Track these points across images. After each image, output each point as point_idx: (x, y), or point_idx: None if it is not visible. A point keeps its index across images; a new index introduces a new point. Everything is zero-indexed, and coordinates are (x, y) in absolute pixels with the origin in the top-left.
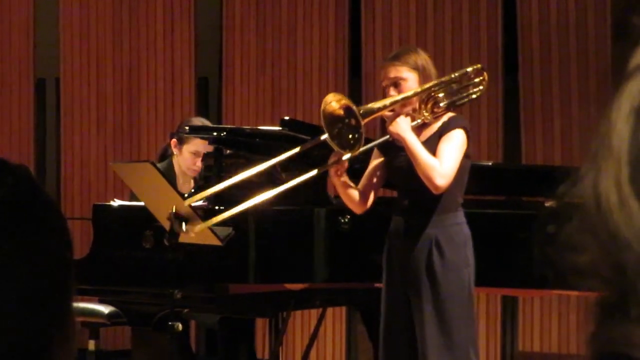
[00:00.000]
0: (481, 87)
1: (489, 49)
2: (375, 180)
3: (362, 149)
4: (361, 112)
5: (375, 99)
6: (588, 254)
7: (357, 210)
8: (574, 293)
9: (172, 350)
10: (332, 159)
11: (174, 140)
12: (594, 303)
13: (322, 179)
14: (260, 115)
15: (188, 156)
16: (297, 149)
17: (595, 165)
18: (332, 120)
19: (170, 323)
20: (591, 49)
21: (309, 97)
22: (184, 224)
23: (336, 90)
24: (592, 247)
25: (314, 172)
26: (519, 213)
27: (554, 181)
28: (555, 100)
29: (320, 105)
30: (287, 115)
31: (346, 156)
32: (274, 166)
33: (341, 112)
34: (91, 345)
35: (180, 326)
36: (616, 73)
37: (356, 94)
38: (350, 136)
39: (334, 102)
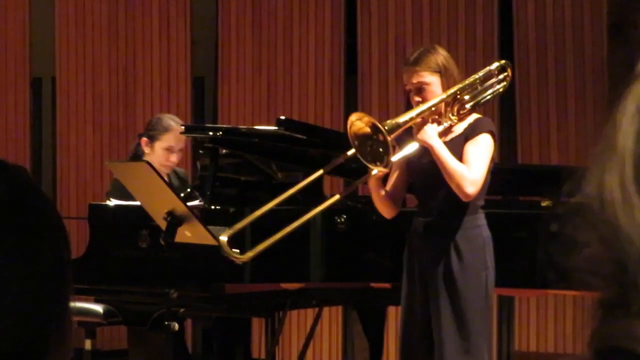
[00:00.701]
0: (505, 83)
1: (485, 48)
2: (400, 184)
3: (393, 158)
4: (387, 128)
5: (371, 98)
6: (590, 251)
7: (389, 214)
8: (570, 293)
9: (168, 350)
10: (373, 173)
11: (144, 139)
12: (594, 302)
13: (318, 179)
14: (256, 114)
15: (161, 153)
16: (320, 171)
17: (600, 165)
18: (362, 138)
19: (166, 323)
20: (587, 46)
21: (304, 97)
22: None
23: (332, 89)
24: (594, 244)
25: (356, 182)
26: (516, 213)
27: (551, 181)
28: (551, 98)
29: (315, 104)
30: (283, 115)
31: (375, 171)
32: (270, 166)
33: (368, 129)
34: (87, 344)
35: (176, 326)
36: (612, 71)
37: (352, 92)
38: (381, 150)
39: (358, 122)
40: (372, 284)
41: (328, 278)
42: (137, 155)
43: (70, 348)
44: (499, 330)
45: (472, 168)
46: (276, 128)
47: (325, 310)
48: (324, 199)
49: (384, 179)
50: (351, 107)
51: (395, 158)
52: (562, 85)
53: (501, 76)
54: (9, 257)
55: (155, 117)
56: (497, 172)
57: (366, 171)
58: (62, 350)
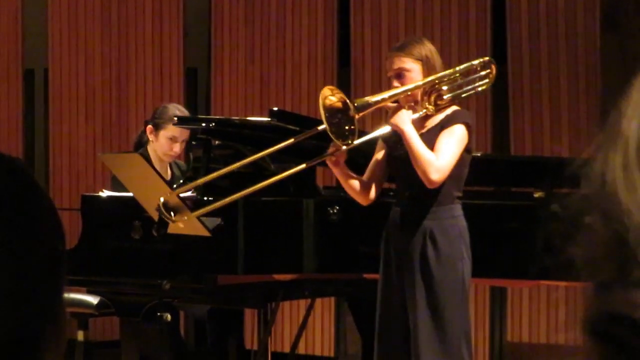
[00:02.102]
0: (487, 80)
1: (478, 39)
2: (379, 171)
3: (361, 140)
4: (356, 105)
5: (364, 89)
6: (590, 229)
7: (362, 201)
8: (563, 284)
9: (161, 341)
10: (330, 150)
11: (149, 127)
12: (589, 286)
13: (311, 170)
14: (249, 105)
15: (164, 142)
16: (291, 140)
17: (604, 149)
18: (331, 112)
19: (158, 314)
20: (580, 39)
21: (297, 88)
22: (172, 213)
23: (325, 80)
24: (594, 222)
25: (312, 162)
26: (508, 204)
27: (543, 172)
28: (544, 91)
29: (308, 95)
30: (275, 106)
31: (343, 147)
32: (263, 157)
33: (339, 104)
34: (80, 335)
35: (169, 317)
36: (605, 62)
37: (345, 83)
38: (347, 127)
39: (331, 96)
40: (365, 275)
41: (320, 269)
42: (140, 142)
43: (65, 340)
44: (492, 321)
45: (440, 156)
46: (269, 119)
47: (318, 301)
48: (317, 190)
49: (363, 167)
50: None
51: (362, 139)
52: (555, 77)
53: (483, 73)
54: (3, 249)
55: (162, 105)
56: (490, 164)
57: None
58: (57, 343)
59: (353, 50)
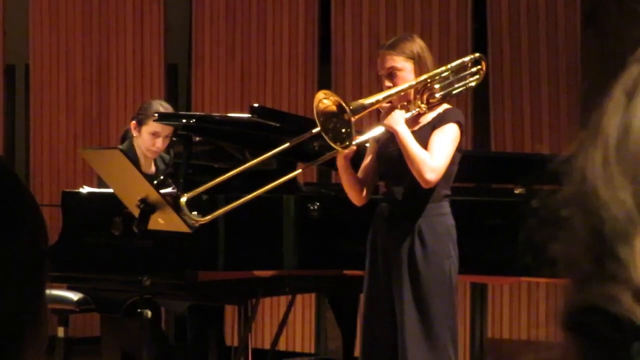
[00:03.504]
0: (477, 77)
1: (459, 34)
2: (372, 172)
3: (357, 140)
4: (351, 108)
5: (345, 85)
6: (571, 223)
7: (357, 200)
8: (543, 280)
9: (142, 337)
10: (327, 157)
11: (133, 123)
12: (567, 280)
13: (291, 166)
14: (230, 102)
15: (147, 137)
16: (287, 145)
17: (585, 145)
18: (326, 116)
19: (139, 310)
20: (561, 34)
21: (278, 84)
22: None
23: (306, 76)
24: (575, 216)
25: (327, 155)
26: (489, 200)
27: (524, 168)
28: (524, 86)
29: (289, 92)
30: (256, 102)
31: (340, 149)
32: (243, 153)
33: (334, 108)
34: (60, 332)
35: (149, 313)
36: (585, 59)
37: (325, 80)
38: (344, 130)
39: (325, 100)
40: (345, 272)
41: (301, 265)
42: (125, 137)
43: (46, 338)
44: (472, 318)
45: (434, 156)
46: (250, 115)
47: (299, 297)
48: (297, 186)
49: (356, 165)
50: None
51: (358, 140)
52: (536, 73)
53: (474, 69)
54: None
55: (146, 101)
56: (471, 160)
57: None
58: (38, 340)
59: (334, 47)
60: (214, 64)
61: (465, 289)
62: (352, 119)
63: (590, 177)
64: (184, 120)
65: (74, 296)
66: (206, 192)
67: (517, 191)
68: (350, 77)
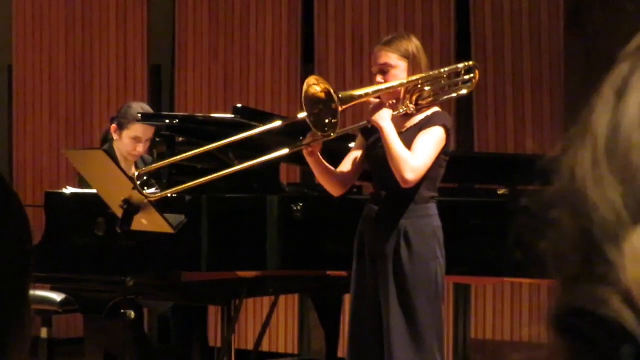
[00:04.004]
0: (470, 84)
1: (442, 37)
2: (354, 164)
3: (339, 132)
4: (340, 96)
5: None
6: (559, 224)
7: (334, 191)
8: (527, 281)
9: (125, 338)
10: (308, 139)
11: (114, 126)
12: (555, 281)
13: (275, 166)
14: (213, 102)
15: (128, 142)
16: (278, 122)
17: (574, 144)
18: (313, 101)
19: (122, 311)
20: (544, 35)
21: (261, 85)
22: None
23: (289, 77)
24: (563, 217)
25: (286, 150)
26: (472, 201)
27: (508, 169)
28: (507, 87)
29: (272, 92)
30: (239, 103)
31: (322, 138)
32: (226, 154)
33: (322, 95)
34: (44, 333)
35: (132, 314)
36: (568, 60)
37: None
38: (327, 120)
39: (315, 85)
40: (329, 272)
41: (285, 266)
42: (106, 139)
43: (30, 338)
44: (455, 318)
45: (416, 156)
46: (233, 116)
47: (282, 298)
48: (281, 186)
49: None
50: None
51: (342, 131)
52: (519, 75)
53: (467, 77)
54: None
55: (127, 104)
56: (453, 160)
57: None
58: (22, 341)
59: (317, 48)
60: (197, 65)
61: (449, 289)
62: (340, 109)
63: (579, 176)
64: (167, 121)
65: (57, 297)
66: (189, 192)
67: (500, 192)
68: (333, 79)
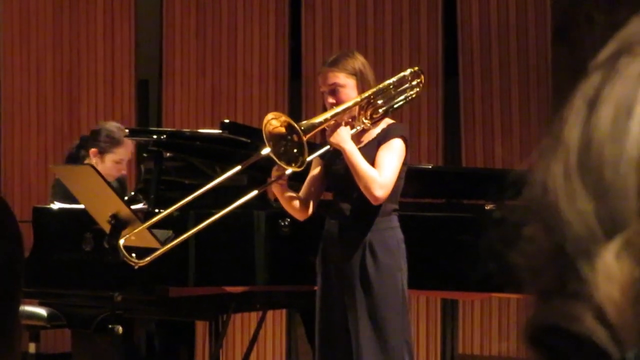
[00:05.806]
0: (417, 89)
1: (429, 52)
2: (316, 187)
3: (308, 159)
4: (302, 128)
5: (315, 100)
6: (530, 238)
7: (300, 217)
8: (513, 296)
9: (112, 353)
10: (274, 175)
11: (93, 150)
12: (530, 295)
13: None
14: (200, 117)
15: (111, 165)
16: (239, 167)
17: (546, 157)
18: (276, 138)
19: (110, 326)
20: (531, 50)
21: (249, 100)
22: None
23: (276, 92)
24: (536, 231)
25: (255, 192)
26: (459, 216)
27: (495, 184)
28: (495, 104)
29: (260, 107)
30: (227, 118)
31: (290, 170)
32: (213, 169)
33: (283, 129)
34: (31, 348)
35: (120, 329)
36: (556, 75)
37: (296, 96)
38: (295, 151)
39: (274, 121)
40: (316, 287)
41: (272, 281)
42: (76, 158)
43: (19, 353)
44: (443, 333)
45: (382, 172)
46: (220, 131)
47: (269, 313)
48: (268, 202)
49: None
50: (295, 110)
51: (309, 158)
52: (507, 90)
53: (414, 82)
54: None
55: (102, 128)
56: (442, 176)
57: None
58: (12, 356)
59: (304, 63)
60: (184, 79)
61: (437, 304)
62: (304, 139)
63: (552, 190)
64: (155, 136)
65: (45, 312)
66: (156, 206)
67: (488, 207)
68: (320, 94)
